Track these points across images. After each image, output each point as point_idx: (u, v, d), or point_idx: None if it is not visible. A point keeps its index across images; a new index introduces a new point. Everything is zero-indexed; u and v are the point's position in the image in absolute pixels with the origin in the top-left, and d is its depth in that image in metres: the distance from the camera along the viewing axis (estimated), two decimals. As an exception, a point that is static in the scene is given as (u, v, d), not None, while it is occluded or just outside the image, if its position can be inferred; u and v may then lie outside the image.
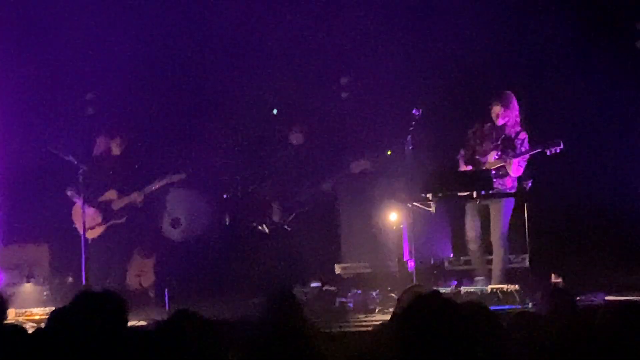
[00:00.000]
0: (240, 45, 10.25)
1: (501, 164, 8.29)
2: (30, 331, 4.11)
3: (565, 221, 9.68)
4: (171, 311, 7.30)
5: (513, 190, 8.31)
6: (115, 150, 9.47)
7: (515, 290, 7.70)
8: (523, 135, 8.37)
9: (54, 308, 4.15)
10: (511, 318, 4.17)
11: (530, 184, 8.20)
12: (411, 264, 8.31)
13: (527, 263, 8.39)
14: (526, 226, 8.04)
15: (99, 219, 9.27)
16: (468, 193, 8.05)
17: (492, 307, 4.71)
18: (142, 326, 6.26)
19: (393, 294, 7.87)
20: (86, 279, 8.73)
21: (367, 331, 5.94)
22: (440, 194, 8.08)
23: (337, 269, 9.50)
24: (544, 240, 8.66)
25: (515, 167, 8.27)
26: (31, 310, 8.25)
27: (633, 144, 9.71)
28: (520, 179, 8.33)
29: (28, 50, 9.89)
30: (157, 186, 9.33)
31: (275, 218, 9.77)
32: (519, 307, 7.41)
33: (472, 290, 8.01)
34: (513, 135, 8.38)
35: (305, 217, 9.65)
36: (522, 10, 9.74)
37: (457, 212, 8.67)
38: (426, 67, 9.89)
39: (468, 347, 3.24)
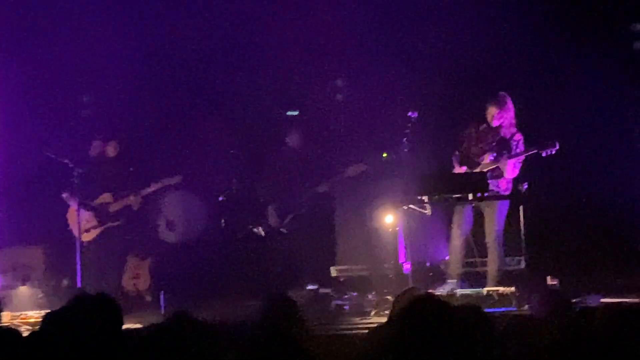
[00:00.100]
0: (236, 48, 10.26)
1: (496, 165, 8.29)
2: (25, 334, 4.10)
3: (562, 223, 9.69)
4: (167, 314, 7.31)
5: (507, 192, 8.31)
6: (111, 153, 9.46)
7: (511, 293, 7.70)
8: (518, 136, 8.38)
9: (49, 311, 4.12)
10: (507, 320, 4.17)
11: (526, 186, 8.20)
12: (407, 267, 8.30)
13: (523, 265, 8.39)
14: (522, 228, 8.05)
15: (95, 222, 9.26)
16: (464, 195, 8.04)
17: (488, 310, 4.72)
18: (137, 329, 6.25)
19: (389, 297, 7.87)
20: (82, 282, 8.72)
21: (363, 334, 5.94)
22: (436, 197, 8.07)
23: (333, 272, 9.50)
24: (540, 242, 8.67)
25: (511, 169, 8.27)
26: (26, 313, 8.25)
27: (629, 146, 9.72)
28: (515, 181, 8.33)
29: (24, 53, 9.89)
30: (153, 189, 9.32)
31: (271, 221, 9.76)
32: (515, 309, 7.42)
33: (467, 292, 8.01)
34: (508, 137, 8.38)
35: (301, 220, 9.65)
36: (518, 12, 9.75)
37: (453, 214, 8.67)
38: (422, 69, 9.90)
39: (463, 350, 3.23)
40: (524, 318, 4.58)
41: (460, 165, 8.44)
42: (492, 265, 8.30)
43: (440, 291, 8.07)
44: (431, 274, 8.73)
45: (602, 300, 7.15)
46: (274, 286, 8.98)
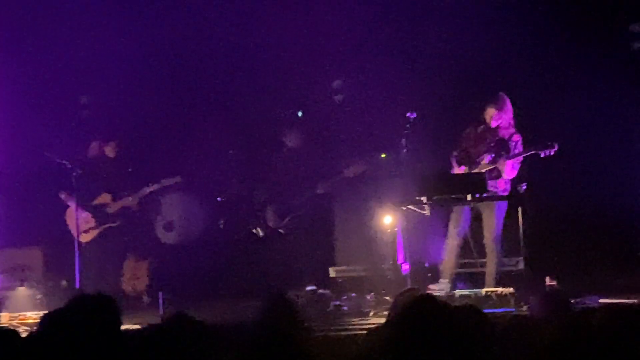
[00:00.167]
0: (235, 48, 10.26)
1: (494, 166, 8.29)
2: (23, 335, 4.10)
3: (560, 224, 9.69)
4: (165, 315, 7.31)
5: (506, 193, 8.32)
6: (110, 154, 9.46)
7: (510, 294, 7.70)
8: (517, 137, 8.38)
9: (47, 311, 4.12)
10: (506, 321, 4.17)
11: (524, 187, 8.20)
12: (405, 267, 8.30)
13: (521, 266, 8.39)
14: (521, 229, 8.04)
15: (93, 223, 9.26)
16: (462, 196, 8.04)
17: (486, 310, 4.71)
18: (136, 330, 6.25)
19: (387, 297, 7.87)
20: (80, 283, 8.71)
21: (362, 334, 5.94)
22: (434, 197, 8.08)
23: (332, 272, 9.50)
24: (539, 243, 8.67)
25: (509, 169, 8.27)
26: (24, 314, 8.23)
27: (628, 147, 9.73)
28: (514, 182, 8.33)
29: (22, 54, 9.89)
30: (151, 189, 9.32)
31: (270, 221, 9.76)
32: (514, 310, 7.41)
33: (466, 293, 8.01)
34: (507, 137, 8.38)
35: (300, 220, 9.65)
36: (516, 13, 9.76)
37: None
38: (421, 70, 9.91)
39: (462, 351, 3.23)
40: (523, 319, 4.58)
41: (460, 165, 8.44)
42: (490, 266, 8.30)
43: (432, 289, 8.08)
44: (430, 274, 8.73)
45: (601, 300, 7.15)
46: (272, 287, 8.98)
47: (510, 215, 8.21)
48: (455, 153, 8.52)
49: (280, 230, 9.70)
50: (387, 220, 8.61)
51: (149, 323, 3.80)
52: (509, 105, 8.40)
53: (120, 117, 9.88)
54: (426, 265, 8.69)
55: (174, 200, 10.07)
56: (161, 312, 8.25)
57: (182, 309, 4.38)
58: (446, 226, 8.58)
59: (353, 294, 8.76)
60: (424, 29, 9.92)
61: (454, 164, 8.49)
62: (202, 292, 9.54)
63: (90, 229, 9.23)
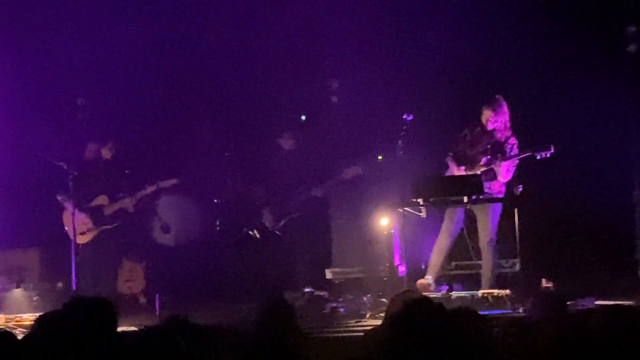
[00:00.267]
0: (231, 50, 10.26)
1: (490, 168, 8.30)
2: (19, 337, 4.10)
3: (556, 226, 9.70)
4: (162, 317, 7.30)
5: (500, 195, 8.33)
6: (106, 155, 9.45)
7: (506, 295, 7.71)
8: (513, 140, 8.39)
9: (41, 313, 4.12)
10: (502, 323, 4.18)
11: (520, 189, 8.21)
12: (402, 269, 8.31)
13: (517, 268, 8.39)
14: (516, 231, 8.05)
15: (90, 224, 9.26)
16: (459, 198, 8.05)
17: (482, 312, 4.72)
18: (132, 332, 6.24)
19: (384, 299, 7.87)
20: (76, 285, 8.71)
21: (358, 336, 5.95)
22: (431, 199, 8.09)
23: (328, 274, 9.50)
24: (535, 245, 8.67)
25: (504, 172, 8.28)
26: (21, 316, 8.22)
27: (624, 149, 9.73)
28: (509, 184, 8.34)
29: (19, 56, 9.88)
30: (148, 191, 9.32)
31: (267, 223, 9.76)
32: (510, 312, 7.42)
33: (462, 295, 8.01)
34: (503, 140, 8.40)
35: (296, 223, 9.65)
36: (512, 16, 9.77)
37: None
38: (418, 72, 9.91)
39: (458, 353, 3.24)
40: (519, 320, 4.58)
41: (459, 165, 8.44)
42: (486, 267, 8.31)
43: (420, 283, 8.10)
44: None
45: (597, 302, 7.16)
46: (269, 288, 8.99)
47: (507, 217, 8.22)
48: (451, 154, 8.53)
49: (277, 232, 9.70)
50: (384, 222, 8.62)
51: (145, 325, 3.79)
52: (505, 108, 8.41)
53: (117, 119, 9.87)
54: (423, 267, 8.69)
55: (170, 202, 10.06)
56: (157, 314, 8.26)
57: (178, 310, 4.39)
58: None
59: (350, 296, 8.76)
60: (421, 32, 9.93)
61: (451, 164, 8.50)
62: (199, 294, 9.53)
63: (87, 230, 9.23)
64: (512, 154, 8.33)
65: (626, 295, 7.68)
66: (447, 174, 8.54)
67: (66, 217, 9.21)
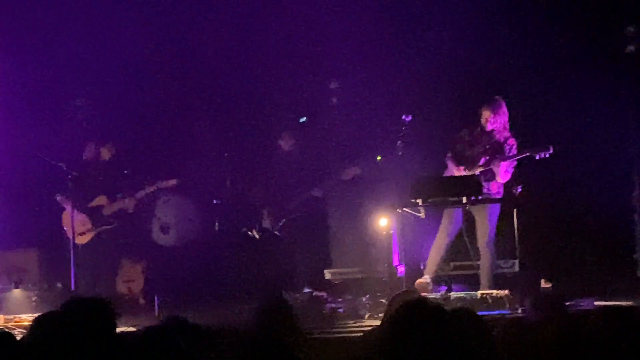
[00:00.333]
0: (231, 50, 10.25)
1: (488, 168, 8.31)
2: (18, 337, 4.09)
3: (555, 226, 9.70)
4: (161, 317, 7.30)
5: (499, 196, 8.33)
6: (105, 156, 9.45)
7: (505, 296, 7.71)
8: (512, 141, 8.40)
9: (39, 314, 4.11)
10: (501, 323, 4.17)
11: (519, 190, 8.21)
12: (401, 270, 8.31)
13: (516, 268, 8.40)
14: (515, 232, 8.06)
15: (89, 225, 9.25)
16: (458, 198, 8.05)
17: (481, 313, 4.71)
18: (131, 332, 6.24)
19: (383, 300, 7.87)
20: (75, 285, 8.70)
21: (357, 336, 5.95)
22: (430, 200, 8.09)
23: (327, 275, 9.50)
24: (534, 245, 8.68)
25: (503, 172, 8.28)
26: (20, 317, 8.21)
27: (623, 149, 9.74)
28: (507, 185, 8.34)
29: (18, 56, 9.87)
30: (147, 192, 9.32)
31: (266, 224, 9.76)
32: (509, 312, 7.42)
33: (461, 295, 8.01)
34: (502, 141, 8.40)
35: (295, 223, 9.65)
36: (511, 17, 9.77)
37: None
38: (417, 72, 9.91)
39: (457, 353, 3.24)
40: (518, 321, 4.58)
41: (459, 165, 8.44)
42: (485, 268, 8.31)
43: (420, 282, 8.10)
44: (425, 277, 8.73)
45: (596, 303, 7.17)
46: (268, 289, 8.98)
47: (505, 217, 8.22)
48: (450, 154, 8.53)
49: (276, 233, 9.70)
50: (383, 222, 8.62)
51: (144, 325, 3.79)
52: (504, 109, 8.42)
53: (116, 119, 9.87)
54: (421, 267, 8.69)
55: (170, 202, 10.06)
56: (157, 314, 8.26)
57: (177, 311, 4.39)
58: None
59: (349, 296, 8.76)
60: (421, 32, 9.93)
61: (450, 164, 8.50)
62: (198, 294, 9.52)
63: (86, 231, 9.23)
64: (511, 154, 8.33)
65: (626, 295, 7.69)
66: (446, 174, 8.54)
67: (65, 218, 9.21)
